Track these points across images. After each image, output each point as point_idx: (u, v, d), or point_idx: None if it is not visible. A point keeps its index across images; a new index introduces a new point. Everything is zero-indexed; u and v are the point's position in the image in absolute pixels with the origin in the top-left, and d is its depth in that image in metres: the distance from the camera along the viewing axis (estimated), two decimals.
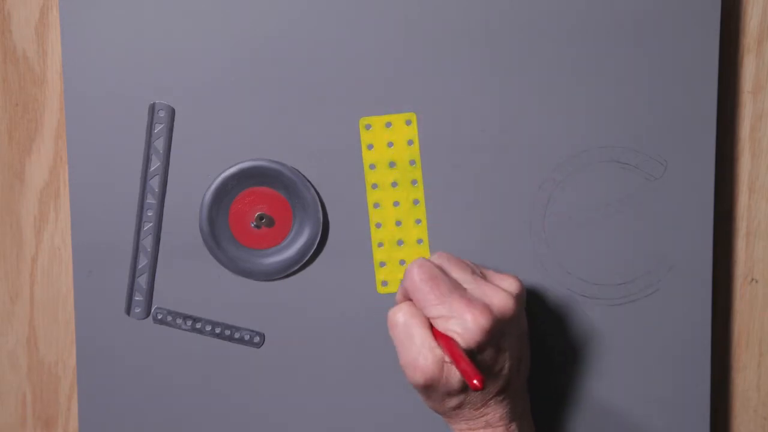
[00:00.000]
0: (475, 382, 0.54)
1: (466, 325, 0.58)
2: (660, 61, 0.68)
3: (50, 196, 0.72)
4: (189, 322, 0.70)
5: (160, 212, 0.70)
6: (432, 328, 0.60)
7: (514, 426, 0.62)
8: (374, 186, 0.69)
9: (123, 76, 0.68)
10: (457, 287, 0.61)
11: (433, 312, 0.60)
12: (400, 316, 0.61)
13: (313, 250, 0.69)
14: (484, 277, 0.63)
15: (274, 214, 0.70)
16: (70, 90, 0.69)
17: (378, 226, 0.70)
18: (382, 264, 0.70)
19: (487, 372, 0.60)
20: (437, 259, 0.63)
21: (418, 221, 0.70)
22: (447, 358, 0.59)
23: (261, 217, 0.69)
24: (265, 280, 0.70)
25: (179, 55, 0.68)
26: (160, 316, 0.70)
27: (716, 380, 0.73)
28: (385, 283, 0.70)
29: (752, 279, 0.73)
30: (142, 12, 0.68)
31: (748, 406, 0.74)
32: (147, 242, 0.70)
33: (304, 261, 0.69)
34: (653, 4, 0.67)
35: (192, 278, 0.70)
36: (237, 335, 0.70)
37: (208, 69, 0.68)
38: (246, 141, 0.69)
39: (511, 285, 0.62)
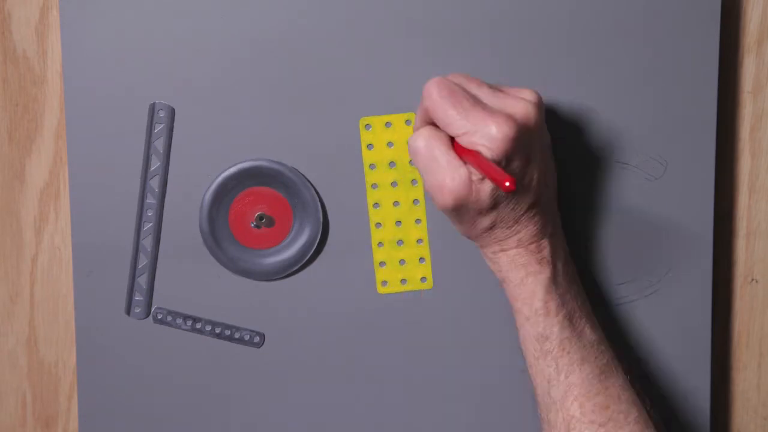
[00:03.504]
0: (507, 184, 0.53)
1: (491, 136, 0.57)
2: (660, 61, 0.68)
3: (50, 196, 0.72)
4: (189, 322, 0.70)
5: (160, 212, 0.70)
6: (455, 146, 0.59)
7: (545, 242, 0.62)
8: (374, 186, 0.69)
9: (123, 76, 0.68)
10: (477, 101, 0.59)
11: (456, 128, 0.58)
12: (421, 141, 0.60)
13: (313, 250, 0.69)
14: (501, 91, 0.61)
15: (274, 214, 0.70)
16: (70, 90, 0.69)
17: (378, 226, 0.70)
18: (382, 264, 0.70)
19: (517, 183, 0.59)
20: (453, 77, 0.61)
21: (418, 221, 0.70)
22: (475, 176, 0.58)
23: (261, 217, 0.69)
24: (265, 280, 0.70)
25: (179, 55, 0.68)
26: (160, 316, 0.70)
27: (716, 380, 0.73)
28: (385, 283, 0.70)
29: (752, 279, 0.73)
30: (142, 12, 0.68)
31: (748, 406, 0.74)
32: (147, 242, 0.70)
33: (304, 261, 0.69)
34: (653, 4, 0.67)
35: (192, 278, 0.70)
36: (237, 335, 0.70)
37: (208, 69, 0.68)
38: (246, 141, 0.69)
39: (529, 95, 0.61)
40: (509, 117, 0.58)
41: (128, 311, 0.70)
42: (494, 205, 0.59)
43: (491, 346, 0.70)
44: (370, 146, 0.69)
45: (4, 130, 0.72)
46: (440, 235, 0.70)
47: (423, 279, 0.70)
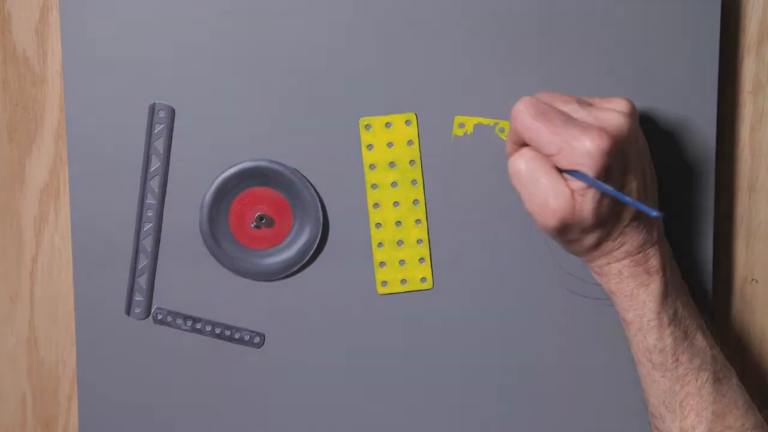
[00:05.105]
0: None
1: (587, 152, 0.56)
2: (660, 61, 0.68)
3: (50, 196, 0.72)
4: (189, 322, 0.70)
5: (160, 212, 0.70)
6: (555, 168, 0.58)
7: (652, 250, 0.61)
8: (374, 186, 0.69)
9: (123, 76, 0.68)
10: (568, 118, 0.59)
11: (550, 147, 0.58)
12: (522, 163, 0.59)
13: (313, 250, 0.69)
14: (590, 105, 0.61)
15: (274, 214, 0.70)
16: (70, 90, 0.69)
17: (378, 226, 0.70)
18: (382, 264, 0.70)
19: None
20: (540, 96, 0.61)
21: (418, 221, 0.70)
22: (578, 194, 0.57)
23: (261, 218, 0.69)
24: (265, 280, 0.70)
25: (179, 55, 0.68)
26: (160, 316, 0.70)
27: None
28: (385, 284, 0.70)
29: (752, 279, 0.73)
30: (142, 12, 0.68)
31: None
32: (147, 242, 0.70)
33: (304, 261, 0.69)
34: (653, 4, 0.67)
35: (192, 278, 0.70)
36: (237, 335, 0.70)
37: (208, 69, 0.68)
38: (246, 141, 0.69)
39: (620, 105, 0.60)
40: (602, 130, 0.57)
41: (128, 311, 0.70)
42: (597, 221, 0.59)
43: (491, 346, 0.70)
44: (370, 146, 0.69)
45: (4, 130, 0.72)
46: (440, 235, 0.70)
47: (423, 279, 0.70)
